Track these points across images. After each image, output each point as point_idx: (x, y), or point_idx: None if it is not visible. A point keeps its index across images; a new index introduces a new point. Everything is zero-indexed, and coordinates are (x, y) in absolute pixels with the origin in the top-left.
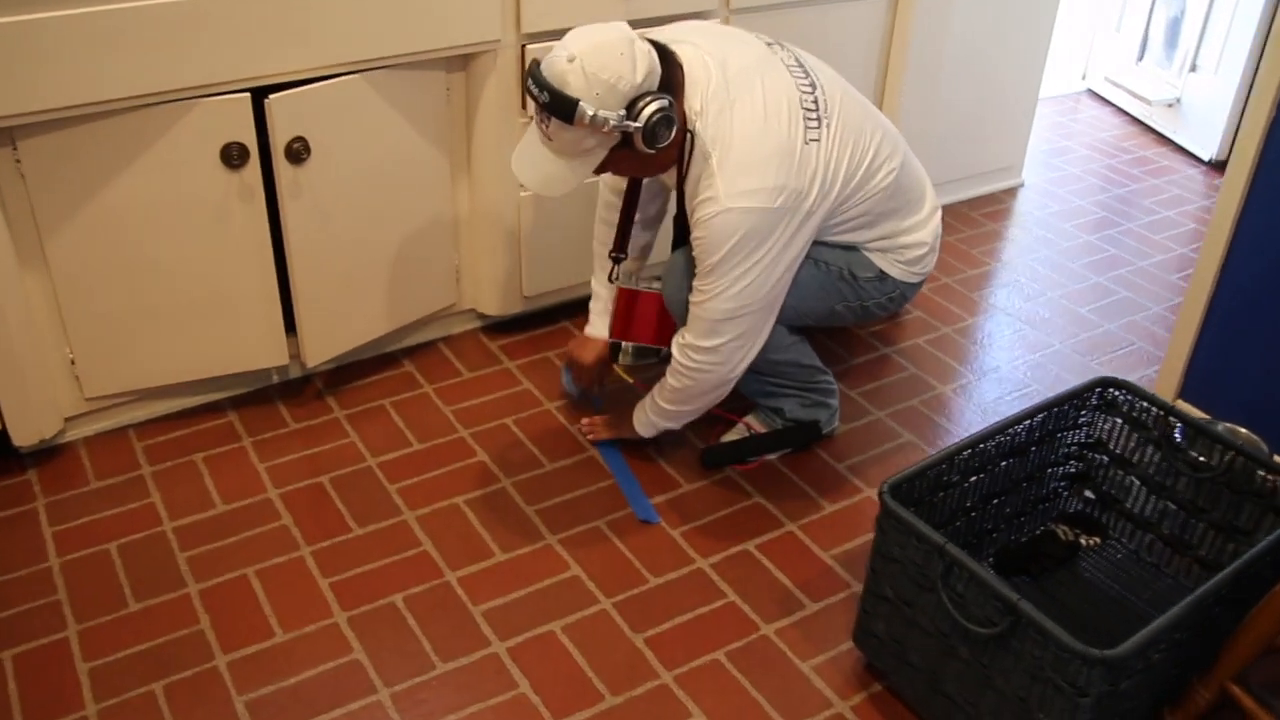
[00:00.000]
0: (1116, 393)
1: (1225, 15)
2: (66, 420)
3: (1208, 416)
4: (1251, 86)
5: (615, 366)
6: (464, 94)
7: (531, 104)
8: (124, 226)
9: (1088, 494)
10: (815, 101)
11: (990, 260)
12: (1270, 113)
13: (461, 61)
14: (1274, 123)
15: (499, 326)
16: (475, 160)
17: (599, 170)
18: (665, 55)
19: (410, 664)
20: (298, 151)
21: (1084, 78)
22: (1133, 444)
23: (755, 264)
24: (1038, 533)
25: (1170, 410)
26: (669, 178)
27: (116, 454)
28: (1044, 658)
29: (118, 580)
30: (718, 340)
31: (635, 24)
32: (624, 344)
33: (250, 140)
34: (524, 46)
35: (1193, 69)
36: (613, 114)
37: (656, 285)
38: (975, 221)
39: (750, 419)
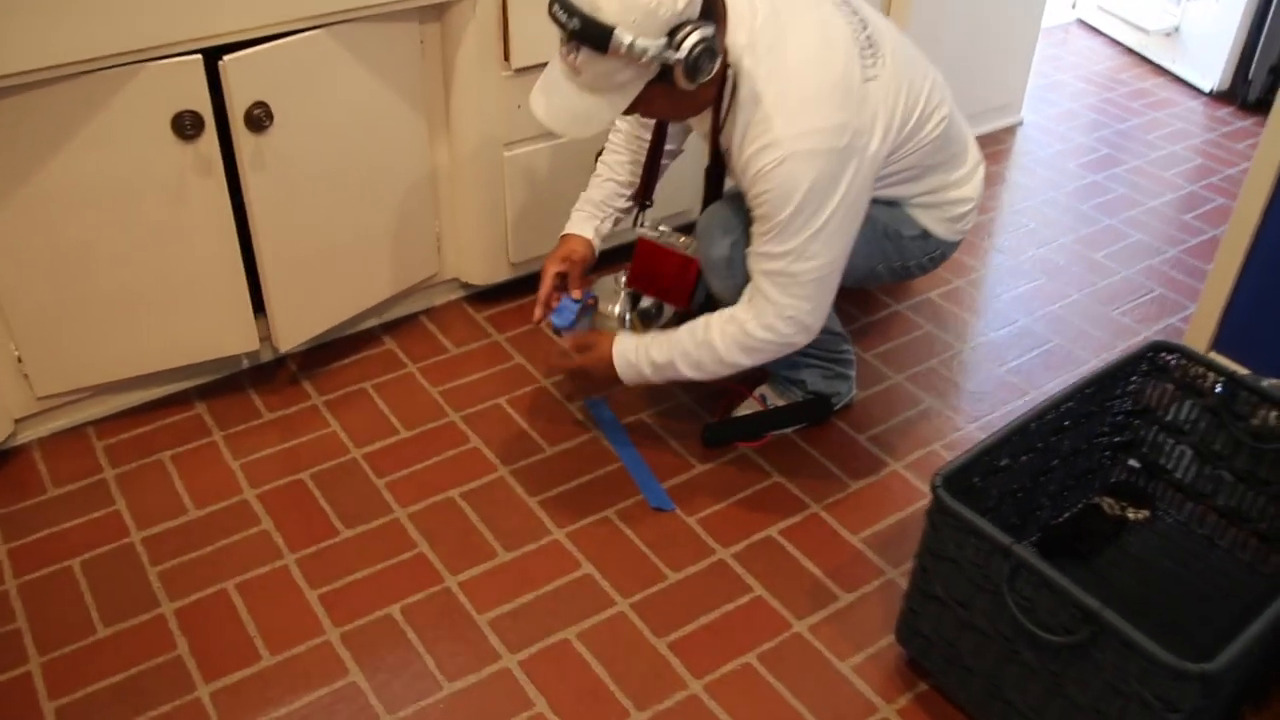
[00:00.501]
0: (1169, 357)
1: None
2: (17, 422)
3: (1275, 381)
4: (1259, 12)
5: (631, 315)
6: (439, 46)
7: (556, 33)
8: (68, 208)
9: (1132, 463)
10: (869, 40)
11: (997, 204)
12: None
13: (436, 11)
14: None
15: (485, 296)
16: (454, 118)
17: (628, 110)
18: None
19: (414, 685)
20: (258, 118)
21: (1074, 7)
22: (1185, 411)
23: (833, 213)
24: (1080, 507)
25: (1232, 376)
26: (699, 123)
27: (75, 456)
28: (1128, 670)
29: (83, 602)
30: (806, 306)
31: None
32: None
33: (205, 108)
34: None
35: None
36: (651, 43)
37: (684, 240)
38: None
39: (766, 390)
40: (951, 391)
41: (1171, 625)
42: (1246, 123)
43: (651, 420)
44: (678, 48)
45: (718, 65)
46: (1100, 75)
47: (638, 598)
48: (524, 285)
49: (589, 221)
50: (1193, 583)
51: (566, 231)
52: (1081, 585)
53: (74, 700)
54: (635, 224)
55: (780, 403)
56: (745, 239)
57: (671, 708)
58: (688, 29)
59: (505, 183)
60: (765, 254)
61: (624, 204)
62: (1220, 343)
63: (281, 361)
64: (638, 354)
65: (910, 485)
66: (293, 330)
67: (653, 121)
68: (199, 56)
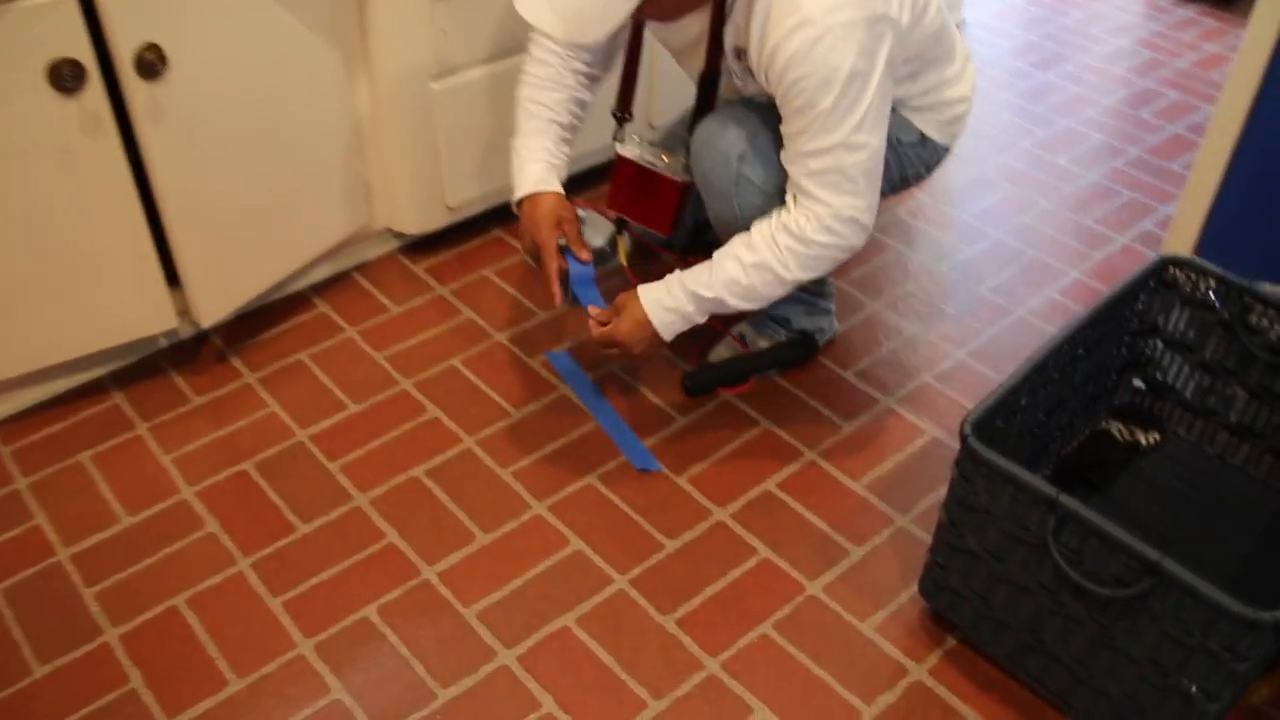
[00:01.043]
0: (1177, 272)
1: None
2: None
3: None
4: None
5: (620, 238)
6: None
7: None
8: None
9: (1137, 383)
10: None
11: None
12: None
13: None
14: None
15: (421, 245)
16: (373, 50)
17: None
18: None
19: (406, 697)
20: (150, 63)
21: None
22: (1195, 327)
23: (875, 93)
24: (1088, 435)
25: (1247, 288)
26: (696, 21)
27: None
28: (1189, 620)
29: (12, 638)
30: (861, 203)
31: None
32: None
33: (86, 54)
34: None
35: None
36: None
37: (667, 159)
38: None
39: (745, 330)
40: (934, 316)
41: (1195, 554)
42: (1189, 11)
43: (621, 370)
44: None
45: None
46: None
47: (636, 572)
48: (464, 230)
49: (552, 173)
50: (1211, 506)
51: (535, 190)
52: (1099, 514)
53: None
54: (614, 138)
55: (763, 343)
56: (754, 152)
57: (691, 693)
58: None
59: (436, 119)
60: (810, 152)
61: (568, 150)
62: (1203, 248)
63: (204, 337)
64: (673, 297)
65: (906, 422)
66: (214, 302)
67: (589, 47)
68: None
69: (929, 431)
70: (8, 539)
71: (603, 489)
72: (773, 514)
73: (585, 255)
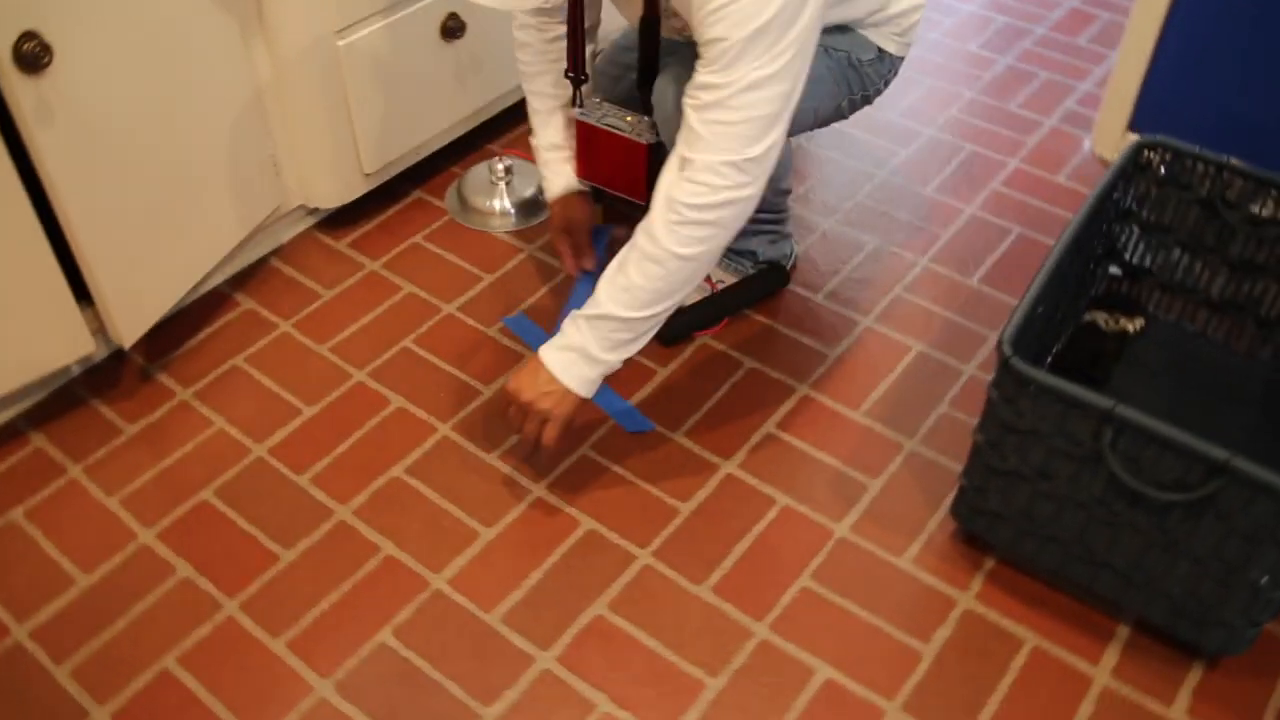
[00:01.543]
0: (1151, 154)
1: None
2: None
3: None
4: None
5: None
6: None
7: None
8: None
9: (1113, 270)
10: None
11: None
12: None
13: None
14: None
15: (338, 219)
16: (268, 10)
17: None
18: None
19: None
20: (32, 54)
21: None
22: (1171, 208)
23: (802, 27)
24: (1073, 328)
25: (1226, 164)
26: None
27: None
28: (1260, 515)
29: None
30: (760, 147)
31: None
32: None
33: None
34: None
35: None
36: None
37: (631, 119)
38: None
39: (711, 270)
40: (890, 226)
41: (1211, 436)
42: None
43: None
44: None
45: None
46: None
47: (657, 544)
48: (379, 197)
49: (563, 166)
50: (1208, 384)
51: (551, 196)
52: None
53: None
54: (575, 102)
55: (731, 279)
56: None
57: (747, 663)
58: None
59: (344, 79)
60: (712, 84)
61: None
62: (1137, 122)
63: (120, 355)
64: (566, 334)
65: (889, 340)
66: (133, 317)
67: (547, 10)
68: None
69: (913, 347)
70: None
71: (600, 459)
72: (781, 458)
73: (589, 263)
